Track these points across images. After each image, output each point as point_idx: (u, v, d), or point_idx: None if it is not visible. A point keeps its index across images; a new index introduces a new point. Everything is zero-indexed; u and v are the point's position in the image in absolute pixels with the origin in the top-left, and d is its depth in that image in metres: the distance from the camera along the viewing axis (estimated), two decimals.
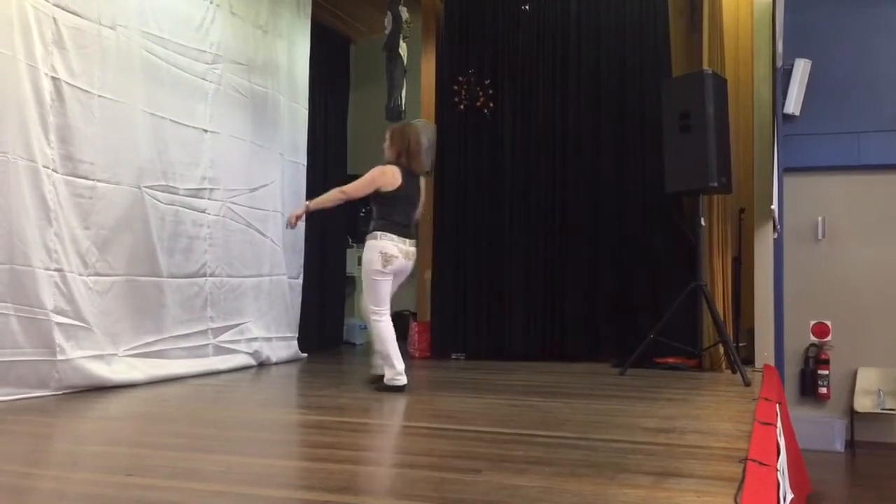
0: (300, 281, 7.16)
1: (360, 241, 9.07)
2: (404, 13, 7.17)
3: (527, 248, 6.85)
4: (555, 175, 6.86)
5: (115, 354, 4.98)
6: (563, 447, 3.15)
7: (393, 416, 4.17)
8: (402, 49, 7.23)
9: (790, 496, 3.47)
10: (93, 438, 3.61)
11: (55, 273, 4.55)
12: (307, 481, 2.80)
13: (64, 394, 4.51)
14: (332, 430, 3.69)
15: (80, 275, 4.75)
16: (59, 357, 4.49)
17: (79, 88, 4.77)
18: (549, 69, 6.98)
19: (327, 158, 8.10)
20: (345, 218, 8.58)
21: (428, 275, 7.29)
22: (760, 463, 2.69)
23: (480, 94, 7.07)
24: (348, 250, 8.72)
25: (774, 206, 5.64)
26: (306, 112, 7.25)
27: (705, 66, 5.84)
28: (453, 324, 7.03)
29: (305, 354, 7.07)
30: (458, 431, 3.51)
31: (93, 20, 4.89)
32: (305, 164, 7.23)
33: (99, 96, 4.91)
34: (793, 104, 6.88)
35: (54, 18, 4.61)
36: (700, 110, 5.50)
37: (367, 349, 5.31)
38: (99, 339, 4.83)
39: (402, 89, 7.28)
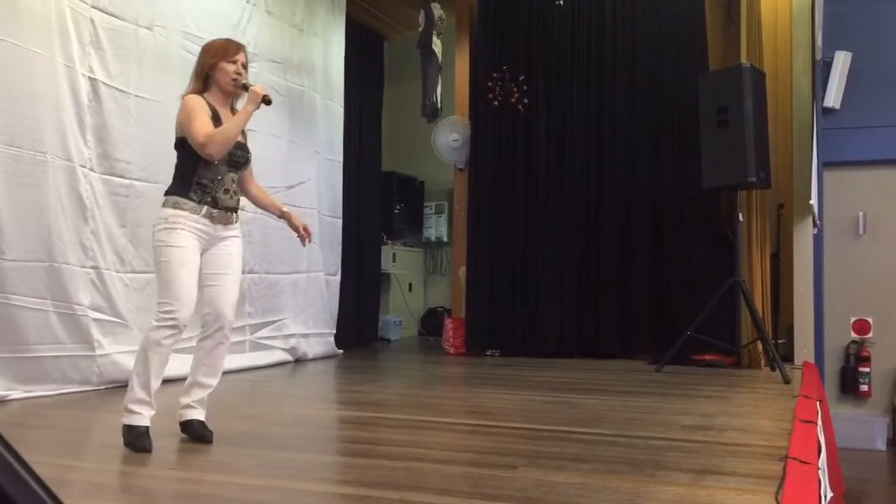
0: (338, 278, 7.19)
1: (395, 238, 9.19)
2: (437, 10, 7.18)
3: (562, 244, 6.82)
4: (590, 171, 6.81)
5: None
6: (600, 444, 3.13)
7: (429, 412, 4.17)
8: (437, 46, 7.24)
9: (830, 495, 3.42)
10: None
11: (91, 270, 4.62)
12: (346, 476, 2.82)
13: (106, 388, 4.58)
14: (370, 425, 3.71)
15: (117, 272, 4.82)
16: (98, 352, 4.57)
17: (116, 88, 4.83)
18: (583, 64, 6.94)
19: (362, 156, 8.13)
20: (380, 215, 8.62)
21: (463, 271, 7.29)
22: (801, 461, 2.66)
23: (515, 90, 7.05)
24: (383, 247, 8.75)
25: (814, 202, 5.56)
26: (342, 110, 7.28)
27: (743, 60, 5.77)
28: (488, 320, 7.02)
29: (341, 351, 7.10)
30: (494, 428, 3.51)
31: (130, 21, 4.95)
32: (341, 161, 7.27)
33: (136, 96, 4.98)
34: (833, 97, 6.77)
35: (92, 20, 4.67)
36: (738, 104, 5.43)
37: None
38: (136, 335, 4.88)
39: (437, 86, 7.28)
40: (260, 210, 6.00)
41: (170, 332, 3.07)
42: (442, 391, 5.28)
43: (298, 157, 6.59)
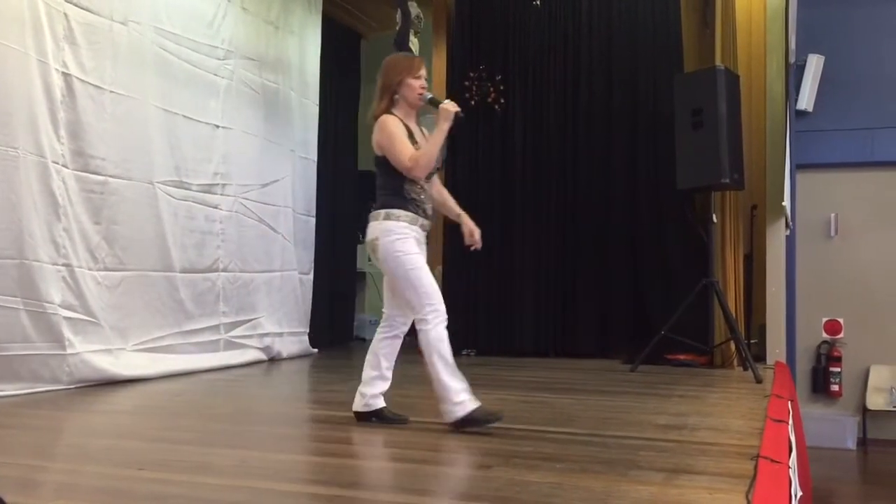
0: (311, 276, 7.16)
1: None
2: (414, 8, 7.16)
3: (538, 244, 6.84)
4: (566, 170, 6.84)
5: (124, 349, 4.99)
6: (573, 443, 3.14)
7: (403, 411, 4.16)
8: (414, 45, 7.22)
9: (800, 494, 3.46)
10: (104, 432, 3.62)
11: (63, 268, 4.56)
12: (318, 476, 2.80)
13: (76, 388, 4.53)
14: (343, 425, 3.69)
15: (90, 269, 4.76)
16: (69, 351, 4.51)
17: (90, 84, 4.78)
18: (560, 65, 6.96)
19: (337, 154, 8.10)
20: (356, 213, 8.58)
21: (439, 270, 7.28)
22: (772, 460, 2.68)
23: (491, 89, 7.06)
24: (359, 246, 8.73)
25: (787, 203, 5.62)
26: (317, 108, 7.25)
27: (718, 63, 5.81)
28: (464, 320, 6.99)
29: (316, 350, 7.08)
30: None
31: (104, 16, 4.90)
32: (316, 159, 7.24)
33: (110, 92, 4.92)
34: (806, 100, 6.85)
35: (66, 14, 4.62)
36: (712, 106, 5.47)
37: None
38: (107, 334, 4.85)
39: None
40: (234, 209, 6.06)
41: (445, 324, 3.42)
42: (417, 391, 5.26)
43: (273, 154, 6.56)
